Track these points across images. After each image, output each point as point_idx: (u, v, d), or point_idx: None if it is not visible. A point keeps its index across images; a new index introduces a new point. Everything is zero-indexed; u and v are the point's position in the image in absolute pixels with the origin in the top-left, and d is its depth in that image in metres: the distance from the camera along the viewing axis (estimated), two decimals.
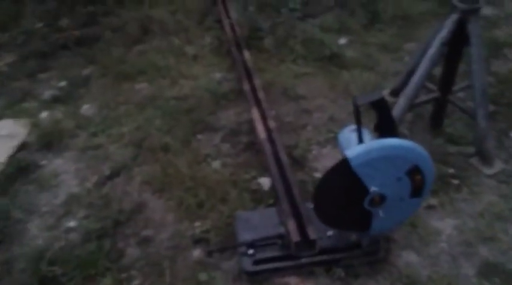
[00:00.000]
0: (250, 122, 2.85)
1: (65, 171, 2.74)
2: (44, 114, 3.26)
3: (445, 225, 2.18)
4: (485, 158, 2.47)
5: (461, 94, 2.96)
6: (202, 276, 2.05)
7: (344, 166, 1.67)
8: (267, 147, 2.52)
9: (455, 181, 2.40)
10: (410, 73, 2.60)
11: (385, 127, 1.79)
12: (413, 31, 3.86)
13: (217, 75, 3.51)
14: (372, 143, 1.72)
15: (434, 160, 2.43)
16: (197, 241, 2.18)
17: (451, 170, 2.46)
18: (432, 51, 2.42)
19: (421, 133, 2.73)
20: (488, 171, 2.44)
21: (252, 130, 2.80)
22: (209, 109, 3.15)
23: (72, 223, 2.36)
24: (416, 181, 1.77)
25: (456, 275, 1.96)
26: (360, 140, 1.79)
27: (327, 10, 4.36)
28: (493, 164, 2.47)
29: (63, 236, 2.30)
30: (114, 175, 2.66)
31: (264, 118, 2.77)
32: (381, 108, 1.75)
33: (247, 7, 4.22)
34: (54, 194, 2.57)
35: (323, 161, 2.62)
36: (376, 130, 1.82)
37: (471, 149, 2.54)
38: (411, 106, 2.57)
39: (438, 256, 2.04)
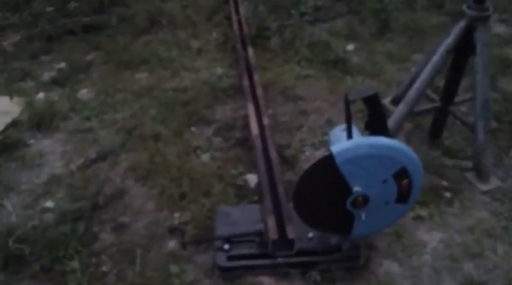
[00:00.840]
0: (246, 118, 2.79)
1: (51, 152, 2.69)
2: (41, 95, 3.24)
3: (431, 237, 2.08)
4: (481, 173, 2.37)
5: (464, 109, 2.87)
6: (174, 268, 1.97)
7: (328, 161, 1.58)
8: (258, 143, 2.45)
9: (448, 194, 2.30)
10: (413, 82, 2.51)
11: (377, 125, 1.70)
12: (423, 43, 3.77)
13: (219, 70, 3.46)
14: (360, 139, 1.64)
15: (429, 171, 2.40)
16: (172, 231, 2.09)
17: (445, 183, 2.36)
18: (436, 58, 2.33)
19: (418, 143, 2.63)
20: (483, 187, 2.34)
21: (246, 126, 2.73)
22: (206, 102, 3.09)
23: (49, 203, 2.31)
24: (403, 186, 1.68)
25: None
26: (350, 137, 1.70)
27: (339, 16, 4.31)
28: (489, 180, 2.37)
29: (38, 215, 2.25)
30: (99, 159, 2.61)
31: (258, 114, 2.71)
32: (373, 104, 1.67)
33: (258, 6, 4.17)
34: (36, 174, 2.53)
35: None
36: (366, 128, 1.73)
37: (468, 164, 2.44)
38: (411, 114, 2.48)
39: (420, 268, 1.94)
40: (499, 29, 3.96)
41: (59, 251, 2.01)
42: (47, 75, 3.50)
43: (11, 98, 3.06)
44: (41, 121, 2.92)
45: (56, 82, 3.40)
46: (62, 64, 3.62)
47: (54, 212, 2.25)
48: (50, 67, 3.63)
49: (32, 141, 2.78)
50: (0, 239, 2.02)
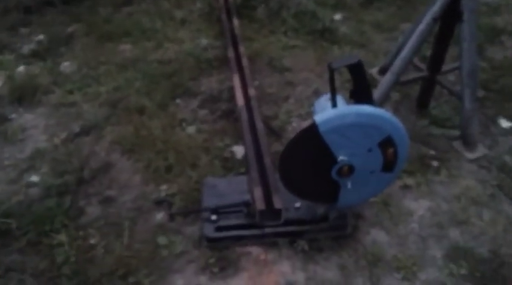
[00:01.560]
0: (232, 90, 2.75)
1: (34, 126, 2.64)
2: (21, 68, 3.15)
3: (418, 206, 2.10)
4: (468, 142, 2.38)
5: (451, 78, 2.86)
6: (162, 240, 1.97)
7: (312, 131, 1.56)
8: (244, 114, 2.42)
9: (435, 163, 2.31)
10: (400, 51, 2.48)
11: (361, 94, 1.68)
12: (412, 12, 3.72)
13: (204, 41, 3.39)
14: (344, 108, 1.62)
15: (417, 140, 2.40)
16: (159, 202, 2.08)
17: (432, 152, 2.37)
18: (422, 26, 2.30)
19: (406, 113, 2.63)
20: (470, 155, 2.36)
21: (232, 98, 2.70)
22: (191, 74, 3.04)
23: (34, 178, 2.27)
24: (388, 154, 1.67)
25: (422, 256, 1.88)
26: (334, 106, 1.68)
27: None
28: (476, 149, 2.38)
29: (23, 190, 2.21)
30: (83, 132, 2.56)
31: (244, 86, 2.67)
32: (358, 73, 1.64)
33: None
34: (20, 148, 2.48)
35: None
36: (351, 97, 1.71)
37: (455, 133, 2.45)
38: (398, 84, 2.46)
39: (407, 236, 1.96)
40: None
41: (46, 225, 2.00)
42: (26, 48, 3.40)
43: None
44: (22, 95, 2.85)
45: (36, 55, 3.30)
46: (42, 37, 3.51)
47: (39, 187, 2.21)
48: (29, 39, 3.52)
49: (13, 115, 2.72)
50: None
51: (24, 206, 2.11)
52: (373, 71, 2.97)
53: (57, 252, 1.90)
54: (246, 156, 2.25)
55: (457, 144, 2.43)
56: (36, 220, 2.02)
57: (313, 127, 1.55)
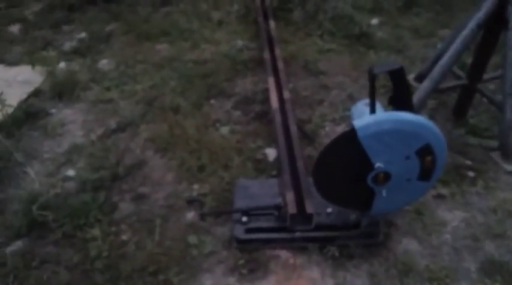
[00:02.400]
0: (266, 92, 2.75)
1: (72, 121, 2.71)
2: (62, 65, 3.25)
3: (452, 216, 2.04)
4: (507, 153, 2.30)
5: (491, 86, 2.78)
6: (192, 239, 1.98)
7: (350, 136, 1.55)
8: (278, 117, 2.42)
9: (471, 174, 2.25)
10: (439, 58, 2.43)
11: (401, 100, 1.66)
12: (450, 18, 3.65)
13: (240, 43, 3.41)
14: (383, 114, 1.60)
15: (452, 150, 2.34)
16: (191, 202, 2.10)
17: (468, 162, 2.31)
18: (466, 32, 2.24)
19: (442, 121, 2.56)
20: (509, 167, 2.28)
21: (266, 100, 2.70)
22: (226, 75, 3.06)
23: (70, 172, 2.33)
24: (426, 163, 1.64)
25: (456, 268, 1.83)
26: (373, 111, 1.66)
27: None
28: None
29: (60, 183, 2.27)
30: (120, 129, 2.62)
31: (279, 88, 2.67)
32: (398, 79, 1.62)
33: None
34: (58, 143, 2.55)
35: None
36: (390, 103, 1.69)
37: (494, 143, 2.38)
38: (436, 91, 2.41)
39: (440, 247, 1.91)
40: None
41: (80, 219, 2.05)
42: (68, 45, 3.51)
43: (33, 67, 3.07)
44: (62, 90, 2.94)
45: (76, 52, 3.42)
46: (83, 34, 3.62)
47: (75, 181, 2.27)
48: (71, 37, 3.64)
49: (53, 110, 2.81)
50: (24, 206, 2.06)
51: (61, 199, 2.16)
52: (410, 78, 2.91)
53: (91, 247, 1.95)
54: (278, 159, 2.25)
55: (495, 155, 2.35)
56: (72, 214, 2.07)
57: (352, 132, 1.54)
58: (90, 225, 2.03)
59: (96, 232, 1.99)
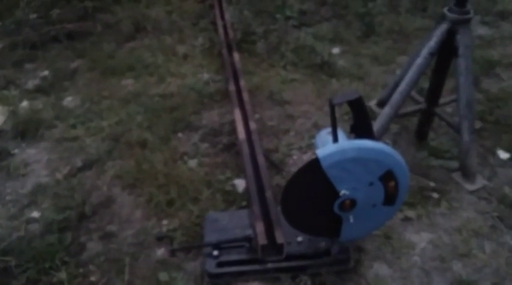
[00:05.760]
0: (233, 123, 2.78)
1: (36, 161, 2.66)
2: (25, 103, 3.20)
3: (420, 238, 2.09)
4: (467, 173, 2.39)
5: (449, 109, 2.90)
6: (163, 276, 1.95)
7: (314, 165, 1.58)
8: (245, 148, 2.44)
9: (435, 195, 2.31)
10: (398, 84, 2.53)
11: (361, 128, 1.71)
12: (407, 45, 3.81)
13: (205, 76, 3.45)
14: (346, 143, 1.64)
15: (416, 172, 2.41)
16: (160, 238, 2.07)
17: (432, 184, 2.38)
18: (420, 60, 2.35)
19: (405, 145, 2.65)
20: (470, 187, 2.36)
21: (233, 131, 2.73)
22: (193, 108, 3.08)
23: (35, 214, 2.27)
24: (389, 188, 1.68)
25: None
26: (335, 140, 1.70)
27: (324, 20, 4.34)
28: (475, 180, 2.39)
29: (24, 226, 2.20)
30: (86, 167, 2.58)
31: (245, 119, 2.70)
32: (358, 108, 1.68)
33: (243, 11, 4.19)
34: (22, 184, 2.49)
35: None
36: (352, 131, 1.74)
37: (454, 164, 2.47)
38: (396, 116, 2.49)
39: (410, 270, 1.95)
40: (481, 30, 4.02)
41: (46, 262, 1.98)
42: (31, 83, 3.46)
43: None
44: (25, 129, 2.88)
45: (40, 90, 3.36)
46: (46, 72, 3.59)
47: (40, 223, 2.21)
48: (34, 75, 3.60)
49: (16, 150, 2.74)
50: None
51: (25, 242, 2.09)
52: (372, 104, 3.01)
53: None
54: (247, 190, 2.26)
55: (456, 176, 2.44)
56: (36, 257, 2.00)
57: (316, 162, 1.57)
58: (56, 268, 1.97)
59: (62, 275, 1.93)
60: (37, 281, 1.93)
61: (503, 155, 2.59)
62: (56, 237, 2.10)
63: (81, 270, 1.99)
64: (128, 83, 3.47)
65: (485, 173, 2.47)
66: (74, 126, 2.95)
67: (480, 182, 2.39)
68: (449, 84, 2.53)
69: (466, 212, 2.22)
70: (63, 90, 3.39)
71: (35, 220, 2.23)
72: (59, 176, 2.51)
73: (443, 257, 2.00)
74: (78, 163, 2.61)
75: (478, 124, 2.74)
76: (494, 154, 2.61)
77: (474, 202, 2.29)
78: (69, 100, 3.26)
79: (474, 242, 2.06)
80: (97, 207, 2.31)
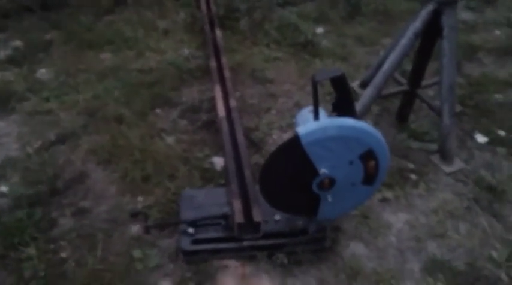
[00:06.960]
0: (213, 100, 2.72)
1: (6, 134, 2.56)
2: None
3: (397, 219, 2.09)
4: (446, 156, 2.39)
5: (431, 92, 2.89)
6: (137, 253, 1.91)
7: (294, 142, 1.54)
8: (225, 126, 2.38)
9: (414, 177, 2.32)
10: (381, 65, 2.50)
11: (343, 106, 1.67)
12: (392, 27, 3.78)
13: (186, 52, 3.36)
14: (326, 121, 1.60)
15: (396, 154, 2.40)
16: (135, 215, 2.02)
17: (411, 166, 2.38)
18: (404, 41, 2.32)
19: (386, 126, 2.63)
20: (447, 169, 2.37)
21: (213, 108, 2.67)
22: (172, 84, 3.00)
23: (3, 188, 2.19)
24: (369, 167, 1.65)
25: (401, 270, 1.87)
26: (316, 118, 1.66)
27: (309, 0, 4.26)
28: (453, 163, 2.40)
29: None
30: (59, 141, 2.49)
31: (226, 97, 2.64)
32: (340, 86, 1.63)
33: None
34: None
35: None
36: (334, 110, 1.70)
37: (434, 147, 2.47)
38: (379, 97, 2.47)
39: (386, 249, 1.95)
40: (465, 15, 4.01)
41: (14, 237, 1.92)
42: (1, 53, 3.32)
43: None
44: None
45: (11, 61, 3.23)
46: (18, 42, 3.44)
47: (8, 197, 2.13)
48: (5, 45, 3.45)
49: None
50: None
51: None
52: (354, 84, 2.98)
53: (25, 267, 1.83)
54: (226, 168, 2.21)
55: (435, 158, 2.44)
56: (4, 232, 1.94)
57: (296, 139, 1.53)
58: (25, 244, 1.91)
59: (31, 250, 1.87)
60: (5, 257, 1.87)
61: (481, 139, 2.60)
62: (25, 212, 2.03)
63: (51, 246, 1.93)
64: (106, 57, 3.36)
65: (463, 156, 2.48)
66: (47, 99, 2.85)
67: (458, 164, 2.40)
68: (432, 66, 2.51)
69: (443, 194, 2.23)
70: (36, 62, 3.26)
71: (3, 195, 2.15)
72: (29, 150, 2.42)
73: (419, 237, 2.00)
74: (51, 137, 2.52)
75: (458, 108, 2.74)
76: (472, 138, 2.62)
77: (451, 183, 2.29)
78: (42, 73, 3.14)
79: (449, 223, 2.08)
80: (70, 182, 2.24)
